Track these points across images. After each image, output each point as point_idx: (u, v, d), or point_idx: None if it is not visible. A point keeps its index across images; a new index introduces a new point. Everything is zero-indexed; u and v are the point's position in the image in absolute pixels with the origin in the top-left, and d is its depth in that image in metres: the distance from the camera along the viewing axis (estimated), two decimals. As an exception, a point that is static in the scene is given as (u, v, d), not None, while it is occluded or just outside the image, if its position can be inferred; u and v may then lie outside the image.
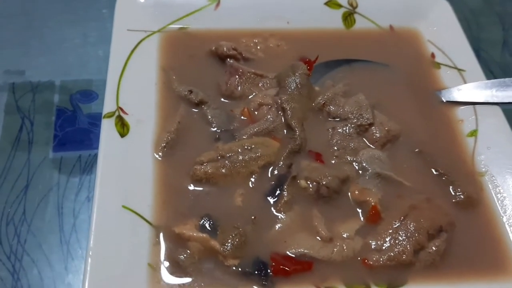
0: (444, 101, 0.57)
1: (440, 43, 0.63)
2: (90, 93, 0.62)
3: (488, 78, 0.66)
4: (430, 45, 0.63)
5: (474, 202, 0.50)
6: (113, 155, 0.48)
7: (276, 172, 0.50)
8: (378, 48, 0.63)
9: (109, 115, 0.51)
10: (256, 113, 0.54)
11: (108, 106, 0.51)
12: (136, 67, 0.56)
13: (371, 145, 0.53)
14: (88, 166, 0.55)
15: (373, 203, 0.48)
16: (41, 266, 0.48)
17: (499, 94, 0.57)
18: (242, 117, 0.53)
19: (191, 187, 0.48)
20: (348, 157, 0.52)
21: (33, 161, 0.55)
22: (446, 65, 0.61)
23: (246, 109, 0.54)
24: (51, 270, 0.48)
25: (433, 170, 0.51)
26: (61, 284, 0.47)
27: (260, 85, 0.55)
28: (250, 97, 0.55)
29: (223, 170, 0.48)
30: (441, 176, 0.51)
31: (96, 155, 0.50)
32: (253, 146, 0.50)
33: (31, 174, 0.54)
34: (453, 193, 0.50)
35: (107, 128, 0.50)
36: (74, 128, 0.58)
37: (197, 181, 0.48)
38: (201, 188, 0.48)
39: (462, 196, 0.50)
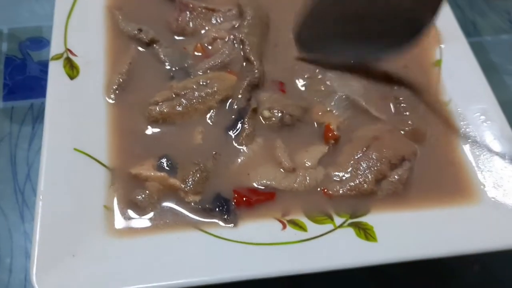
0: None
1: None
2: (41, 40, 0.59)
3: (455, 12, 0.65)
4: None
5: (421, 137, 0.48)
6: (63, 98, 0.46)
7: (235, 106, 0.48)
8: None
9: (57, 57, 0.48)
10: (210, 48, 0.51)
11: (56, 47, 0.49)
12: (84, 8, 0.53)
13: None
14: (41, 115, 0.53)
15: (327, 123, 0.47)
16: (-5, 216, 0.47)
17: None
18: (196, 53, 0.51)
19: (147, 129, 0.47)
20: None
21: (-18, 112, 0.53)
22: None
23: (199, 45, 0.51)
24: (5, 219, 0.47)
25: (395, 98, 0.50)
26: (17, 233, 0.46)
27: (212, 20, 0.53)
28: (203, 32, 0.53)
29: (179, 108, 0.47)
30: (399, 104, 0.50)
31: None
32: (208, 81, 0.48)
33: (-20, 124, 0.52)
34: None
35: (55, 70, 0.48)
36: (25, 76, 0.56)
37: (153, 122, 0.47)
38: (158, 129, 0.47)
39: (406, 128, 0.48)
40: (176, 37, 0.53)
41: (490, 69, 0.62)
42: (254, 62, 0.49)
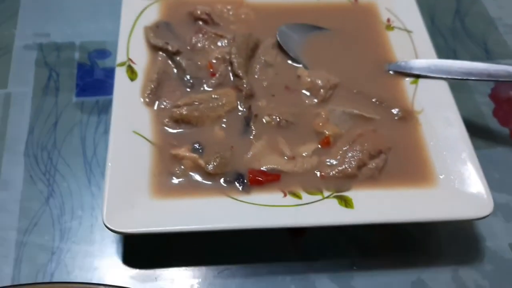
0: (391, 72, 0.68)
1: (395, 10, 0.75)
2: (105, 51, 0.74)
3: (438, 40, 0.80)
4: (386, 12, 0.75)
5: (411, 113, 0.64)
6: (125, 95, 0.61)
7: (240, 114, 0.63)
8: (343, 16, 0.75)
9: (121, 64, 0.64)
10: (215, 62, 0.66)
11: (120, 57, 0.64)
12: (141, 28, 0.69)
13: (314, 98, 0.65)
14: (104, 108, 0.68)
15: (327, 134, 0.61)
16: (70, 181, 0.61)
17: (443, 69, 0.66)
18: (208, 67, 0.66)
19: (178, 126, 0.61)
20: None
21: (60, 104, 0.68)
22: (398, 28, 0.73)
23: (209, 62, 0.66)
24: (77, 183, 0.61)
25: (373, 100, 0.65)
26: (86, 193, 0.61)
27: (218, 43, 0.69)
28: (209, 51, 0.68)
29: (196, 113, 0.61)
30: (381, 104, 0.64)
31: (110, 100, 0.63)
32: (218, 96, 0.63)
33: (59, 113, 0.67)
34: (394, 113, 0.64)
35: (120, 74, 0.63)
36: (92, 79, 0.71)
37: (175, 122, 0.61)
38: (187, 127, 0.60)
39: (400, 113, 0.63)
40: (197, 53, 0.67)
41: (465, 88, 0.75)
42: (242, 77, 0.64)
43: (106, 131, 0.66)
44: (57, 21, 0.78)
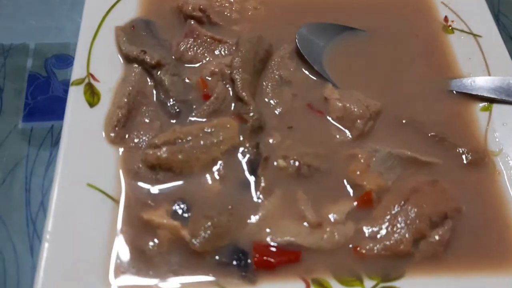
0: (454, 92, 0.52)
1: (454, 5, 0.57)
2: (67, 58, 0.59)
3: (508, 45, 0.61)
4: (443, 8, 0.57)
5: (484, 155, 0.47)
6: (80, 127, 0.45)
7: (245, 156, 0.45)
8: (385, 13, 0.58)
9: (78, 82, 0.47)
10: (210, 79, 0.49)
11: (78, 71, 0.47)
12: (112, 27, 0.51)
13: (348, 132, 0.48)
14: (60, 138, 0.51)
15: (367, 188, 0.43)
16: (3, 247, 0.46)
17: None
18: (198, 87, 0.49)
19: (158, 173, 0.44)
20: None
21: (1, 131, 0.53)
22: (460, 30, 0.55)
23: (200, 79, 0.49)
24: (14, 251, 0.46)
25: (431, 134, 0.48)
26: (25, 267, 0.45)
27: (216, 51, 0.52)
28: (204, 62, 0.51)
29: (180, 156, 0.43)
30: (442, 142, 0.47)
31: (68, 126, 0.46)
32: (212, 129, 0.45)
33: (-3, 145, 0.51)
34: (461, 153, 0.47)
35: (75, 96, 0.46)
36: (47, 96, 0.56)
37: (150, 168, 0.43)
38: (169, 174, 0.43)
39: (470, 155, 0.47)
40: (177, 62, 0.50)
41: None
42: (247, 101, 0.46)
43: (60, 173, 0.49)
44: (7, 17, 0.62)
